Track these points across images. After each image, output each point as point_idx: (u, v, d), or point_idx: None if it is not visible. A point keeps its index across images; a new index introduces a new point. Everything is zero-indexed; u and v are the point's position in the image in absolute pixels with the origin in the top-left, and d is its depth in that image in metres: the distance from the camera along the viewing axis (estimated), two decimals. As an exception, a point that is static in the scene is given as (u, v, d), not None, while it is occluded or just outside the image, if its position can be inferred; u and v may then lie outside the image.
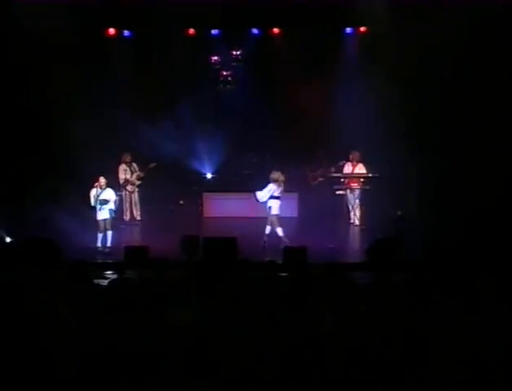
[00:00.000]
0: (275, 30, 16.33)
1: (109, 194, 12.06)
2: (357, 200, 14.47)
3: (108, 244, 12.04)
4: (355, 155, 14.43)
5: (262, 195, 12.47)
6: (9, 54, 13.63)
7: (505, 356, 4.69)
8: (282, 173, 12.61)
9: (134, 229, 14.74)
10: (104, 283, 7.95)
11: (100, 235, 11.99)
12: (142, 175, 14.91)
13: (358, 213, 14.46)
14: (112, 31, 16.02)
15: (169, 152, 15.57)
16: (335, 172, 14.72)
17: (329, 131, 15.16)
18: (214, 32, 16.36)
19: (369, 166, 14.27)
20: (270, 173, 12.64)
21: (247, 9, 14.57)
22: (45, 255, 9.86)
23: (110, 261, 11.25)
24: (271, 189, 12.41)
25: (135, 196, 15.10)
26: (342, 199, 14.75)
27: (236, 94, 16.97)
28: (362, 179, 14.32)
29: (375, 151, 14.14)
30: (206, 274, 7.67)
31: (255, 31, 16.44)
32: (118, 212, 13.41)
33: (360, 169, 14.39)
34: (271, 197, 12.39)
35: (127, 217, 14.86)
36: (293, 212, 15.41)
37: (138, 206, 15.20)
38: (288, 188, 14.14)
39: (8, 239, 11.96)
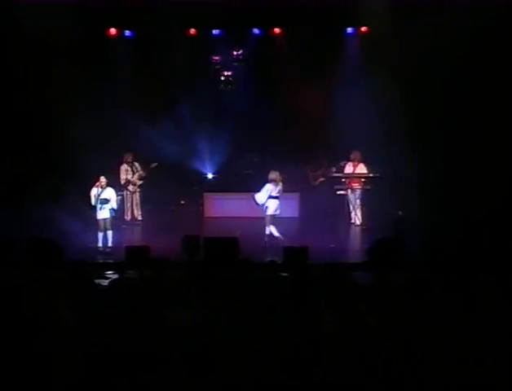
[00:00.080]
0: (276, 30, 16.33)
1: (110, 193, 12.06)
2: (358, 200, 14.48)
3: (109, 244, 12.04)
4: (356, 155, 14.43)
5: (260, 196, 12.46)
6: (10, 55, 13.63)
7: (505, 356, 4.69)
8: (280, 173, 12.60)
9: (135, 229, 14.73)
10: (105, 283, 7.97)
11: (101, 235, 11.99)
12: (143, 175, 14.91)
13: (359, 213, 14.46)
14: (113, 31, 16.02)
15: (169, 152, 15.58)
16: (336, 172, 14.72)
17: (330, 131, 15.15)
18: (214, 32, 16.36)
19: (370, 166, 14.26)
20: (268, 173, 12.65)
21: (248, 9, 14.57)
22: (46, 255, 9.88)
23: (111, 261, 11.24)
24: (269, 189, 12.41)
25: (137, 196, 15.10)
26: (342, 200, 14.75)
27: (236, 95, 16.99)
28: (363, 179, 14.32)
29: (376, 151, 14.14)
30: (207, 274, 7.68)
31: (256, 31, 16.44)
32: (119, 211, 13.41)
33: (361, 169, 14.39)
34: (270, 197, 12.38)
35: (128, 217, 14.85)
36: (294, 212, 15.43)
37: (139, 206, 15.20)
38: (289, 188, 14.16)
39: (9, 239, 11.96)
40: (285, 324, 5.16)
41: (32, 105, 14.08)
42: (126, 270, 8.95)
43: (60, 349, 4.76)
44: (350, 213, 14.62)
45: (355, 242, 13.62)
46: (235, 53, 17.24)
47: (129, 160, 14.89)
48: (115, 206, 12.27)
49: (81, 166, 13.31)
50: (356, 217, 14.44)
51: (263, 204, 12.43)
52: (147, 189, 15.27)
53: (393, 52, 14.10)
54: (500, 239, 10.40)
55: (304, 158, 15.68)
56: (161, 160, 14.96)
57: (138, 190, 15.04)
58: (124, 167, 14.84)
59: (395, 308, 5.62)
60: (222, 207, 15.71)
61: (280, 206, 12.60)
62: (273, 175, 12.48)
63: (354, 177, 14.44)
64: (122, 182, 14.71)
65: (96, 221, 12.05)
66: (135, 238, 13.95)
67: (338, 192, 14.66)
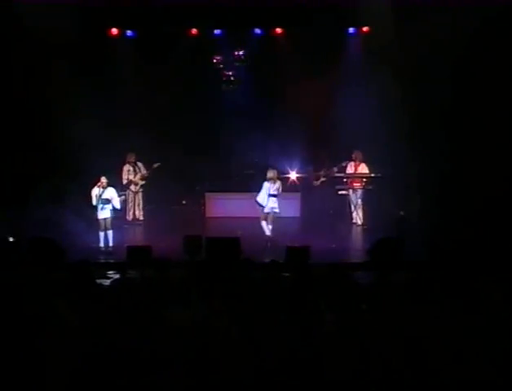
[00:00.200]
0: (278, 30, 16.34)
1: (111, 193, 12.08)
2: (359, 200, 14.50)
3: (110, 244, 12.06)
4: (357, 155, 14.45)
5: (261, 197, 12.49)
6: (11, 55, 13.65)
7: (505, 356, 4.70)
8: (279, 172, 12.65)
9: (137, 229, 14.75)
10: (107, 282, 7.99)
11: (102, 235, 12.01)
12: (146, 175, 14.92)
13: (360, 212, 14.48)
14: (114, 31, 16.04)
15: (171, 152, 15.61)
16: (338, 172, 14.74)
17: (332, 131, 15.18)
18: (216, 32, 16.38)
19: (372, 166, 14.28)
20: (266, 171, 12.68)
21: (250, 9, 14.58)
22: (48, 255, 9.91)
23: (112, 260, 11.27)
24: (266, 187, 12.44)
25: (139, 196, 15.12)
26: (344, 199, 14.77)
27: (238, 94, 17.00)
28: (364, 179, 14.33)
29: (377, 151, 14.15)
30: (209, 274, 7.70)
31: (258, 31, 16.44)
32: (122, 211, 13.43)
33: (363, 168, 14.40)
34: (268, 195, 12.40)
35: (130, 217, 14.87)
36: (295, 211, 15.45)
37: (141, 206, 15.22)
38: (290, 188, 14.21)
39: (11, 239, 12.00)
40: (286, 324, 5.18)
41: (34, 105, 14.11)
42: (128, 269, 8.97)
43: (61, 349, 4.77)
44: (351, 212, 14.64)
45: (356, 242, 13.63)
46: (236, 53, 17.25)
47: (131, 160, 14.90)
48: (118, 206, 12.29)
49: (83, 166, 13.32)
50: (358, 216, 14.46)
51: (267, 205, 12.45)
52: (150, 189, 15.29)
53: (394, 52, 14.12)
54: (501, 239, 10.41)
55: (306, 158, 15.70)
56: (164, 160, 14.99)
57: (140, 190, 15.06)
58: (126, 167, 14.86)
59: (395, 308, 5.63)
60: (224, 207, 15.73)
61: (280, 205, 12.62)
62: (271, 174, 12.52)
63: (355, 177, 14.46)
64: (124, 182, 14.72)
65: (97, 220, 12.07)
66: (137, 238, 13.98)
67: (340, 192, 14.69)
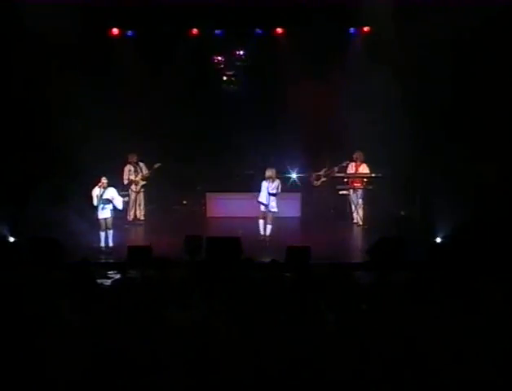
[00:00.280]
0: (279, 30, 16.30)
1: (112, 193, 12.08)
2: (360, 200, 14.48)
3: (111, 244, 12.07)
4: (359, 155, 14.44)
5: (263, 196, 12.50)
6: (11, 55, 13.64)
7: (505, 356, 4.70)
8: (277, 171, 12.67)
9: (138, 229, 14.75)
10: (107, 282, 8.00)
11: (103, 234, 12.02)
12: (147, 175, 14.91)
13: (361, 212, 14.47)
14: (115, 31, 16.02)
15: (171, 152, 15.61)
16: (338, 172, 14.74)
17: (333, 131, 15.16)
18: (217, 32, 16.34)
19: (373, 166, 14.27)
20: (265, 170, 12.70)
21: (250, 9, 14.56)
22: (48, 255, 9.92)
23: (113, 260, 11.27)
24: (265, 186, 12.45)
25: (140, 196, 15.12)
26: (345, 199, 14.77)
27: (239, 94, 17.00)
28: (365, 179, 14.33)
29: (378, 151, 14.14)
30: (209, 274, 7.71)
31: (258, 31, 16.41)
32: (124, 212, 13.43)
33: (364, 169, 14.39)
34: (269, 194, 12.40)
35: (131, 216, 14.87)
36: (296, 211, 15.44)
37: (142, 206, 15.22)
38: (291, 188, 14.20)
39: (12, 239, 12.02)
40: (286, 324, 5.18)
41: (35, 105, 14.09)
42: (128, 269, 8.97)
43: (61, 349, 4.78)
44: (352, 212, 14.63)
45: (356, 242, 13.63)
46: (237, 53, 17.24)
47: (133, 160, 14.89)
48: (120, 207, 12.29)
49: (84, 166, 13.32)
50: (358, 217, 14.45)
51: (269, 203, 12.43)
52: (150, 189, 15.29)
53: (396, 52, 14.10)
54: (501, 239, 10.41)
55: (307, 158, 15.70)
56: (164, 160, 15.00)
57: (142, 190, 15.05)
58: (127, 167, 14.84)
59: (395, 308, 5.64)
60: (225, 207, 15.72)
61: (280, 205, 12.63)
62: (269, 172, 12.52)
63: (356, 177, 14.45)
64: (125, 182, 14.72)
65: (97, 220, 12.08)
66: (138, 238, 13.98)
67: (340, 192, 14.68)
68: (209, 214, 15.86)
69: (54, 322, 5.09)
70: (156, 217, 15.42)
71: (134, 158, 14.89)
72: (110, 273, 9.95)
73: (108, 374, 4.64)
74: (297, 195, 15.53)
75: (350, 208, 14.65)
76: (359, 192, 14.47)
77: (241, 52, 17.20)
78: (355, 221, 14.54)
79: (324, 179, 15.51)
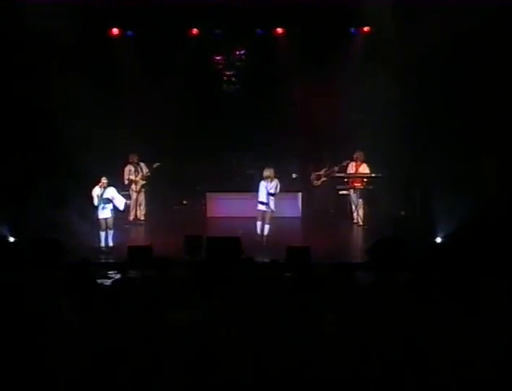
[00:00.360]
0: (279, 30, 16.28)
1: (112, 193, 12.08)
2: (360, 200, 14.47)
3: (110, 244, 12.07)
4: (359, 155, 14.42)
5: (262, 196, 12.48)
6: (11, 55, 13.64)
7: (505, 356, 4.70)
8: (275, 170, 12.66)
9: (138, 229, 14.74)
10: (108, 282, 8.01)
11: (103, 234, 12.02)
12: (147, 175, 14.90)
13: (361, 212, 14.46)
14: (115, 31, 16.00)
15: (172, 152, 15.60)
16: (339, 172, 14.75)
17: (333, 131, 15.16)
18: (217, 32, 16.33)
19: (373, 166, 14.27)
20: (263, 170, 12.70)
21: (250, 9, 14.55)
22: (48, 254, 9.92)
23: (113, 260, 11.27)
24: (263, 186, 12.43)
25: (141, 196, 15.11)
26: (345, 199, 14.77)
27: (239, 94, 17.00)
28: (365, 179, 14.32)
29: (379, 151, 14.14)
30: (209, 274, 7.71)
31: (259, 31, 16.40)
32: (124, 212, 13.42)
33: (364, 169, 14.38)
34: (268, 194, 12.38)
35: (131, 216, 14.87)
36: (296, 211, 15.42)
37: (142, 206, 15.21)
38: (291, 188, 14.19)
39: (12, 239, 12.02)
40: (286, 324, 5.18)
41: (35, 105, 14.08)
42: (129, 269, 8.97)
43: (61, 349, 4.78)
44: (352, 212, 14.63)
45: (356, 242, 13.62)
46: (237, 53, 17.23)
47: (134, 160, 14.88)
48: (121, 207, 12.28)
49: (85, 166, 13.31)
50: (358, 216, 14.45)
51: (269, 203, 12.42)
52: (150, 189, 15.29)
53: (396, 52, 14.10)
54: (501, 239, 10.41)
55: (307, 158, 15.70)
56: (164, 160, 14.99)
57: (143, 190, 15.04)
58: (128, 168, 14.83)
59: (395, 308, 5.64)
60: (225, 207, 15.70)
61: (280, 205, 12.62)
62: (267, 172, 12.49)
63: (356, 177, 14.45)
64: (126, 182, 14.71)
65: (97, 220, 12.07)
66: (138, 238, 13.97)
67: (341, 192, 14.69)
68: (209, 214, 15.85)
69: (54, 322, 5.09)
70: (157, 217, 15.41)
71: (135, 158, 14.87)
72: (110, 273, 9.94)
73: (108, 374, 4.64)
74: (298, 195, 15.53)
75: (351, 208, 14.65)
76: (360, 192, 14.46)
77: (241, 52, 17.19)
78: (355, 221, 14.53)
79: (324, 179, 15.52)
